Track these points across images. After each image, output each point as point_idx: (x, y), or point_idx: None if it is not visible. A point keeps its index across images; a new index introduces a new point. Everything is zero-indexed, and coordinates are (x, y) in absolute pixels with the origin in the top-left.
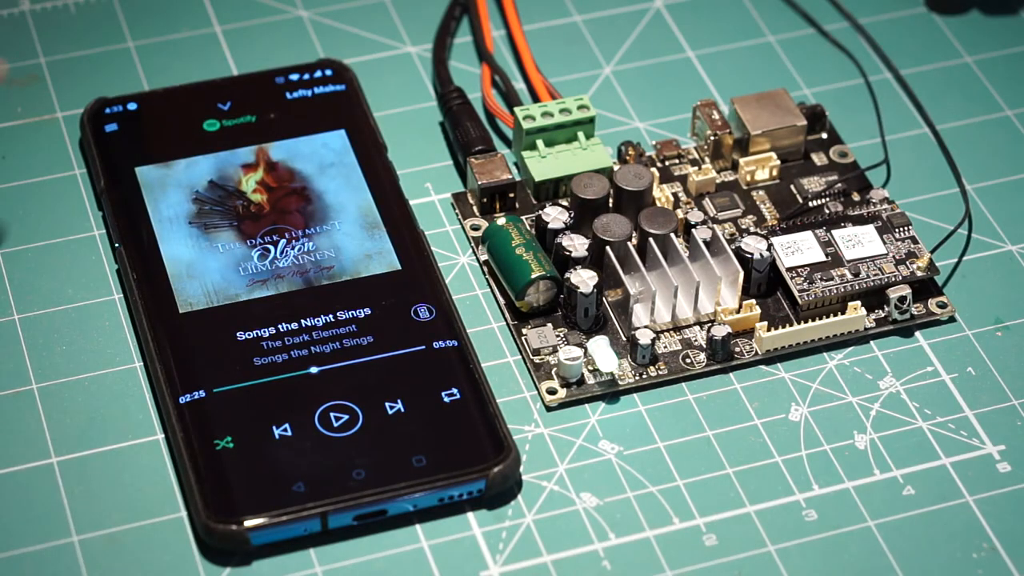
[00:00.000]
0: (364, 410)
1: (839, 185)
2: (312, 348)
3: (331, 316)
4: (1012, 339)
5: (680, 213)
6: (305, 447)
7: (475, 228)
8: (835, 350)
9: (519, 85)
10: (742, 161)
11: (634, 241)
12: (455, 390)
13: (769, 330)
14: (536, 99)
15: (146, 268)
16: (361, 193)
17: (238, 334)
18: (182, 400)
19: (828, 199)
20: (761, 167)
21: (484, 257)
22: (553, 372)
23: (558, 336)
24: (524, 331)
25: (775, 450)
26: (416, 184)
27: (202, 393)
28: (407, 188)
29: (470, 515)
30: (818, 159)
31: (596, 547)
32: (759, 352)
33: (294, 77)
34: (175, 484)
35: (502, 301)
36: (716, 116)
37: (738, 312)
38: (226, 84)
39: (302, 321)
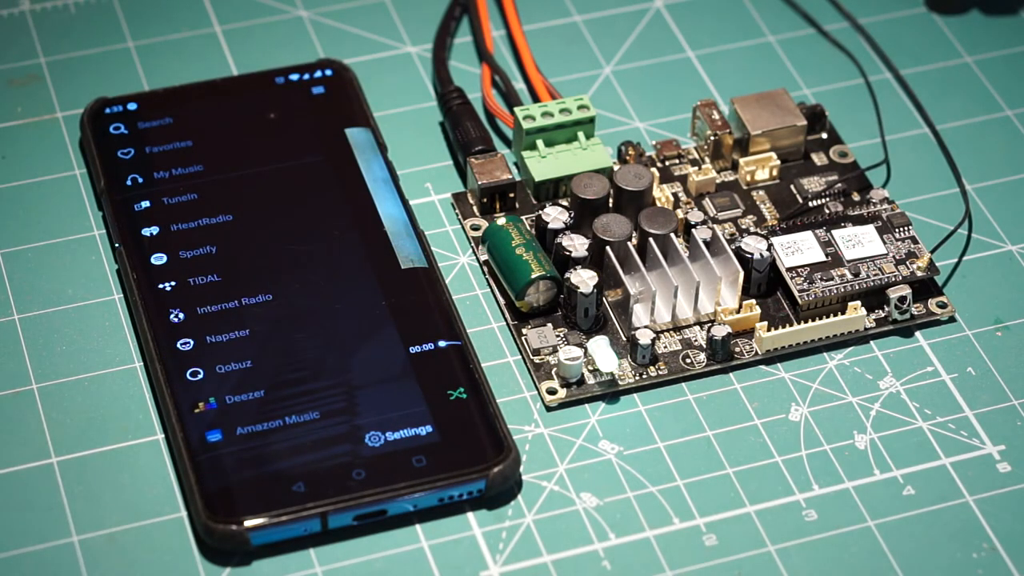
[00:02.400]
0: (364, 410)
1: (839, 185)
2: (312, 349)
3: (331, 317)
4: (1012, 339)
5: (680, 213)
6: (305, 447)
7: (475, 228)
8: (835, 350)
9: (519, 85)
10: (742, 161)
11: (634, 241)
12: (455, 390)
13: (769, 330)
14: (536, 99)
15: (146, 270)
16: (360, 193)
17: (239, 335)
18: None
19: (828, 199)
20: (761, 167)
21: (484, 257)
22: (553, 372)
23: (558, 336)
24: (524, 331)
25: (775, 450)
26: (416, 184)
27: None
28: (407, 188)
29: (470, 515)
30: (818, 159)
31: (596, 547)
32: (759, 352)
33: (294, 77)
34: (175, 484)
35: (502, 301)
36: (716, 116)
37: (738, 312)
38: (226, 84)
39: (302, 322)
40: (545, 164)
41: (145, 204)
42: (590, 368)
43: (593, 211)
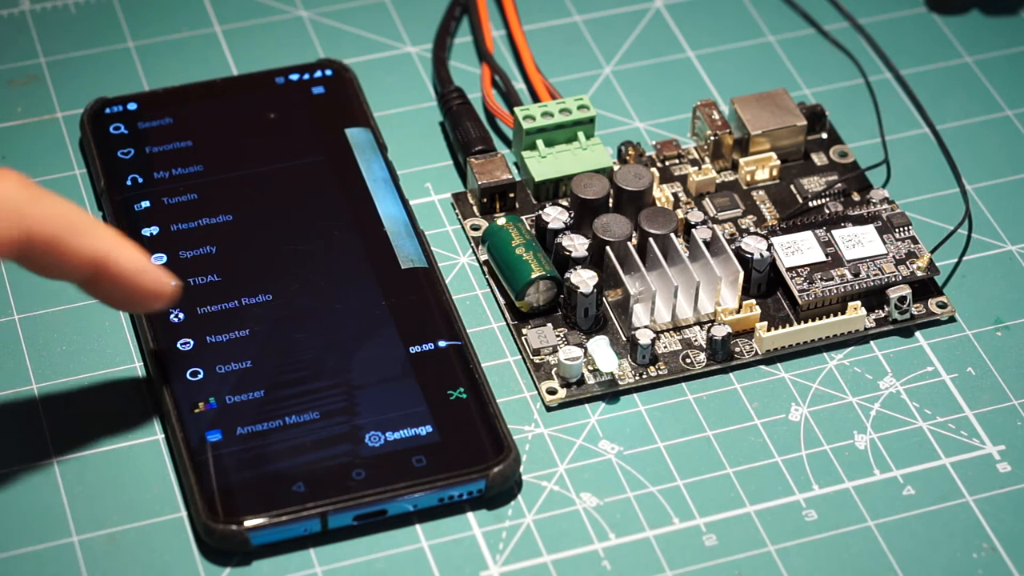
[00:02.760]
0: (364, 410)
1: (839, 185)
2: (312, 349)
3: (331, 317)
4: (1012, 339)
5: (680, 213)
6: (305, 447)
7: (475, 228)
8: (835, 350)
9: (519, 85)
10: (742, 161)
11: (634, 241)
12: (455, 390)
13: (769, 330)
14: (536, 99)
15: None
16: (360, 193)
17: (239, 335)
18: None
19: (828, 199)
20: (761, 167)
21: (484, 257)
22: (553, 372)
23: (558, 336)
24: (524, 331)
25: (775, 450)
26: (416, 184)
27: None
28: (407, 188)
29: (470, 515)
30: (818, 159)
31: (596, 547)
32: (759, 352)
33: (294, 77)
34: (175, 484)
35: (502, 301)
36: (716, 116)
37: (738, 312)
38: (226, 84)
39: (302, 322)
40: (545, 164)
41: (145, 204)
42: (590, 368)
43: (593, 211)
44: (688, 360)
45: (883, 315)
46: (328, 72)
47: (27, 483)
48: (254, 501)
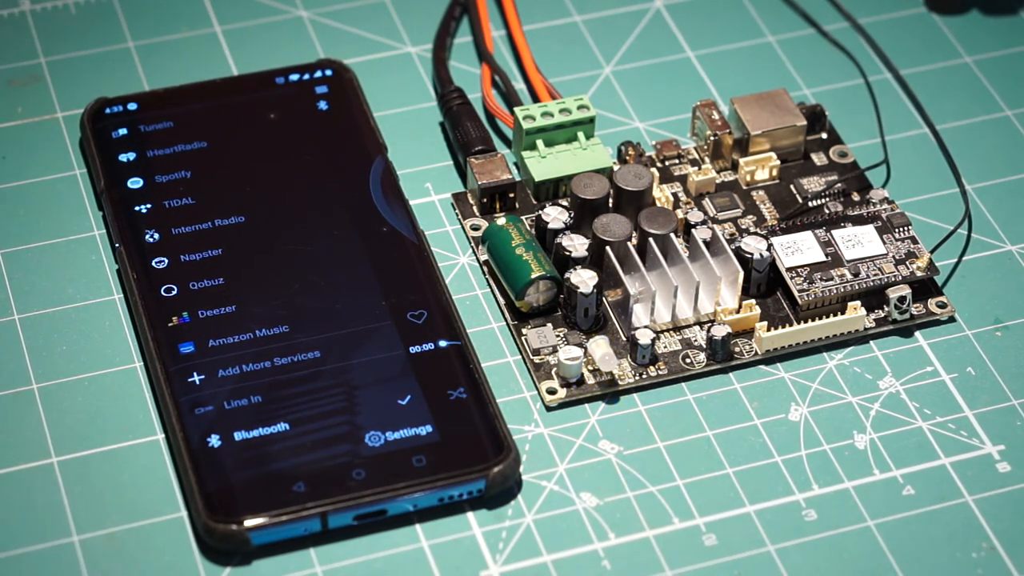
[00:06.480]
0: (364, 410)
1: (839, 185)
2: (312, 349)
3: (332, 317)
4: (1012, 339)
5: (680, 213)
6: (305, 447)
7: (475, 228)
8: (835, 350)
9: (519, 85)
10: (742, 161)
11: (634, 241)
12: (455, 390)
13: (769, 330)
14: (536, 99)
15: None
16: (361, 192)
17: (239, 336)
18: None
19: (828, 199)
20: (761, 167)
21: (484, 257)
22: (553, 372)
23: (558, 336)
24: (524, 331)
25: (775, 450)
26: (416, 184)
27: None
28: (407, 188)
29: (470, 515)
30: (818, 159)
31: (596, 547)
32: (759, 352)
33: (294, 77)
34: (175, 484)
35: (502, 301)
36: (716, 116)
37: (738, 312)
38: (226, 84)
39: (302, 322)
40: (545, 164)
41: (145, 204)
42: (590, 368)
43: (593, 211)
44: (688, 360)
45: (883, 315)
46: (328, 72)
47: (27, 483)
48: (254, 501)
